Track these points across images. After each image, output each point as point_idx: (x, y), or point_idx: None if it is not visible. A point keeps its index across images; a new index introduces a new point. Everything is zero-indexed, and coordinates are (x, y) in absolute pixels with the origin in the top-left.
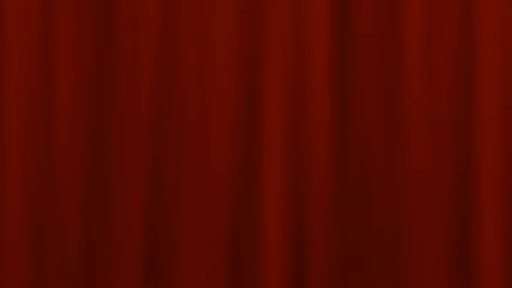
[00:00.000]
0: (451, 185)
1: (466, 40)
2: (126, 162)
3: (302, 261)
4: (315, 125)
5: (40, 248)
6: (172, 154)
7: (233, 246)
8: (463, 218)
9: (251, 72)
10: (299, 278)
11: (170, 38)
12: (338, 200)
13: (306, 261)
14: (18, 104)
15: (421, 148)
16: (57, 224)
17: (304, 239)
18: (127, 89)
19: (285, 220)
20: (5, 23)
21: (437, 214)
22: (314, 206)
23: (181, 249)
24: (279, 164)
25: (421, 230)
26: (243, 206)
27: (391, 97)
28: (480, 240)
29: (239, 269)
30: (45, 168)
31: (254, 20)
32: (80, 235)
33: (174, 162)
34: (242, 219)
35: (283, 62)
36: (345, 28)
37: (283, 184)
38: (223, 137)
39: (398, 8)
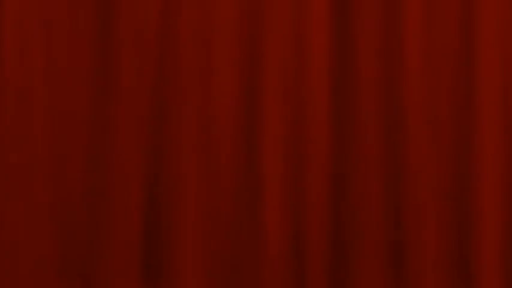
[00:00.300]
0: (451, 184)
1: (466, 40)
2: (126, 162)
3: (302, 261)
4: (315, 125)
5: (40, 247)
6: (172, 154)
7: (233, 246)
8: (463, 218)
9: (251, 72)
10: (299, 277)
11: (170, 38)
12: (337, 199)
13: (305, 261)
14: (18, 104)
15: (421, 148)
16: (57, 223)
17: (303, 239)
18: (127, 88)
19: (284, 220)
20: (5, 22)
21: (437, 214)
22: (314, 206)
23: (181, 249)
24: (278, 163)
25: (421, 230)
26: (243, 206)
27: (391, 97)
28: (480, 240)
29: (239, 269)
30: (45, 168)
31: (254, 20)
32: (80, 235)
33: (174, 162)
34: (242, 220)
35: (283, 62)
36: (345, 28)
37: (283, 184)
38: (223, 136)
39: (398, 8)
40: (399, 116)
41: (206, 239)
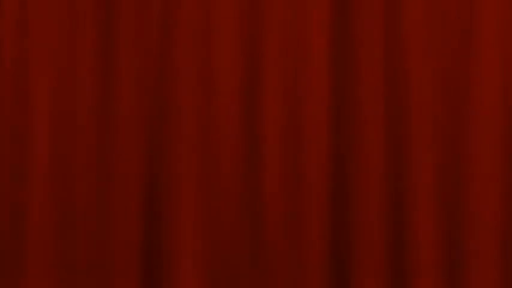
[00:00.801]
0: (451, 184)
1: (465, 40)
2: (126, 162)
3: (301, 261)
4: (315, 125)
5: (40, 247)
6: (172, 154)
7: (233, 246)
8: (463, 218)
9: (251, 72)
10: (298, 277)
11: (170, 38)
12: (337, 199)
13: (305, 260)
14: (18, 104)
15: (420, 147)
16: (57, 223)
17: (303, 239)
18: (127, 89)
19: (284, 220)
20: (5, 22)
21: (437, 214)
22: (314, 205)
23: (181, 249)
24: (278, 163)
25: (420, 230)
26: (243, 206)
27: (391, 97)
28: (479, 240)
29: (239, 269)
30: (45, 168)
31: (254, 20)
32: (80, 235)
33: (173, 162)
34: (242, 219)
35: (283, 61)
36: (345, 28)
37: (283, 184)
38: (223, 136)
39: (399, 8)
40: (399, 115)
41: (206, 239)
